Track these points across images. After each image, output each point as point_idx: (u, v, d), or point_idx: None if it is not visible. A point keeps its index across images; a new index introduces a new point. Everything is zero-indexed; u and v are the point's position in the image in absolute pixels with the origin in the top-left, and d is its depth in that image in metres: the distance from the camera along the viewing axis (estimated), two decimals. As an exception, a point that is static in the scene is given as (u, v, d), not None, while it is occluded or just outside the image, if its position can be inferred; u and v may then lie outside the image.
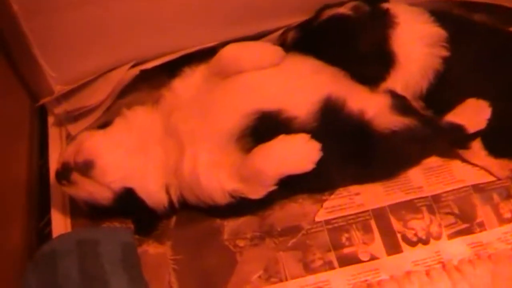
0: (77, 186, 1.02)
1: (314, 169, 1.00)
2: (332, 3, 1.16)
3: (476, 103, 1.13)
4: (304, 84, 1.08)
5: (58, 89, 1.19)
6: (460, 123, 1.11)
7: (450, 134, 1.13)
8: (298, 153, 0.99)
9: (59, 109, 1.22)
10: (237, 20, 1.19)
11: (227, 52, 1.10)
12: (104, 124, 1.10)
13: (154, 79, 1.22)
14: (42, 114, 1.27)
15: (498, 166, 1.18)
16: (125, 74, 1.18)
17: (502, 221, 1.13)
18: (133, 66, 1.19)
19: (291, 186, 1.04)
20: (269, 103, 1.03)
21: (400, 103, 1.11)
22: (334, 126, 1.05)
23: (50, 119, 1.25)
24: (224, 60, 1.10)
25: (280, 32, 1.23)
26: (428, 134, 1.10)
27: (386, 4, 1.16)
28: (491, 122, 1.13)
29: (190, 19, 1.16)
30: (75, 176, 1.02)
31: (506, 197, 1.16)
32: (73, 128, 1.22)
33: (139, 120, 1.10)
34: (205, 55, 1.15)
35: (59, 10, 1.06)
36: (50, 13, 1.06)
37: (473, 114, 1.13)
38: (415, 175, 1.17)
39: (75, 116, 1.22)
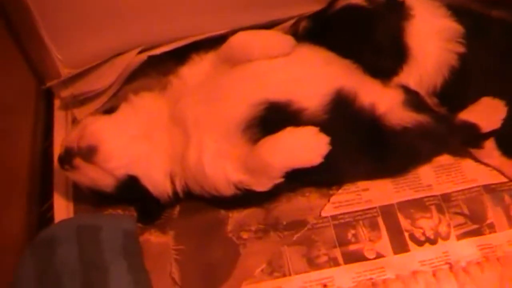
0: (80, 171, 1.01)
1: (322, 163, 0.98)
2: (347, -6, 1.14)
3: (491, 102, 1.11)
4: (315, 75, 1.06)
5: (65, 72, 1.18)
6: (474, 122, 1.10)
7: (464, 132, 1.11)
8: (306, 146, 0.98)
9: (66, 92, 1.21)
10: (248, 8, 1.17)
11: (237, 40, 1.08)
12: (109, 110, 1.09)
13: (162, 65, 1.21)
14: (48, 96, 1.26)
15: (511, 167, 1.16)
16: (133, 59, 1.17)
17: (512, 223, 1.12)
18: (141, 52, 1.18)
19: (298, 179, 1.03)
20: (278, 94, 1.01)
21: (413, 99, 1.09)
22: (344, 119, 1.04)
23: (57, 102, 1.25)
24: (233, 47, 1.08)
25: (292, 21, 1.22)
26: (441, 131, 1.09)
27: (402, -5, 1.14)
28: (506, 121, 1.11)
29: (201, 5, 1.15)
30: (78, 161, 1.00)
31: (518, 199, 1.14)
32: (79, 112, 1.22)
33: (145, 106, 1.09)
34: (214, 42, 1.14)
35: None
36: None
37: (488, 113, 1.11)
38: (425, 173, 1.16)
39: (81, 100, 1.22)
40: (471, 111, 1.11)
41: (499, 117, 1.10)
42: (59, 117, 1.23)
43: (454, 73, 1.10)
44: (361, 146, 1.06)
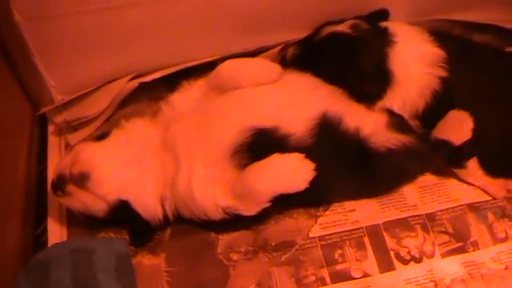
0: (72, 197, 1.03)
1: (308, 187, 1.00)
2: (332, 21, 1.17)
3: (457, 115, 1.11)
4: (301, 101, 1.08)
5: (59, 98, 1.20)
6: (446, 139, 1.11)
7: (439, 150, 1.12)
8: (291, 173, 1.00)
9: (59, 118, 1.22)
10: (237, 35, 1.19)
11: (225, 68, 1.11)
12: (101, 136, 1.11)
13: (153, 91, 1.23)
14: (43, 122, 1.28)
15: (494, 185, 1.19)
16: (125, 85, 1.19)
17: (496, 240, 1.14)
18: (133, 78, 1.19)
19: (285, 202, 1.05)
20: (265, 120, 1.03)
21: (396, 122, 1.11)
22: (330, 143, 1.06)
23: (50, 128, 1.27)
24: (222, 75, 1.11)
25: (278, 48, 1.23)
26: (424, 150, 1.11)
27: (385, 22, 1.17)
28: (488, 142, 1.14)
29: (190, 33, 1.16)
30: (71, 187, 1.02)
31: (501, 217, 1.17)
32: (72, 138, 1.23)
33: (136, 132, 1.11)
34: (204, 69, 1.16)
35: (61, 20, 1.06)
36: (52, 23, 1.06)
37: (456, 126, 1.12)
38: (410, 193, 1.18)
39: (74, 126, 1.23)
40: (440, 128, 1.12)
41: (467, 128, 1.10)
42: (53, 142, 1.24)
43: (436, 97, 1.12)
44: (347, 168, 1.08)
